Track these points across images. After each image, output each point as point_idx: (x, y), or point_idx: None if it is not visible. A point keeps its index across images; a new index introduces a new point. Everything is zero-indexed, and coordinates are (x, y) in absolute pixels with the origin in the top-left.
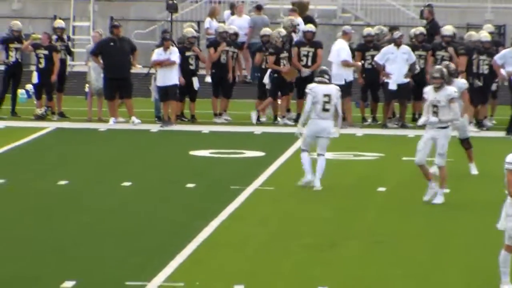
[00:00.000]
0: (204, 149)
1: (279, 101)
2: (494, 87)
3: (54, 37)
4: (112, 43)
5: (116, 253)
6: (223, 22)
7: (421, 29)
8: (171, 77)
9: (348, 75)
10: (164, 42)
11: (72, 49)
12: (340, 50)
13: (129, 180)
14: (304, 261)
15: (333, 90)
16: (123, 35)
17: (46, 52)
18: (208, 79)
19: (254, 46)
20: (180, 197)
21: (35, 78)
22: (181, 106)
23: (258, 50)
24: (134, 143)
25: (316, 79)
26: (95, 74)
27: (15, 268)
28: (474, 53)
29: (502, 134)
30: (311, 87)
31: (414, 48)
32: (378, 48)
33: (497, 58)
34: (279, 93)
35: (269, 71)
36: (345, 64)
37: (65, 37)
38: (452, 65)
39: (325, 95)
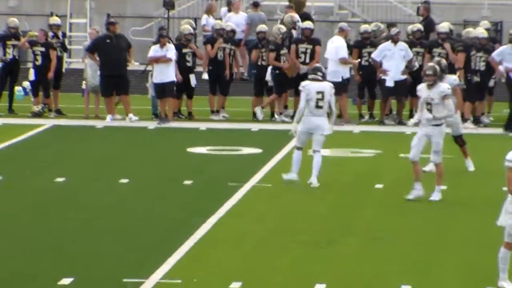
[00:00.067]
0: (202, 146)
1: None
2: (491, 83)
3: (50, 34)
4: (108, 40)
5: (114, 250)
6: (220, 19)
7: (419, 26)
8: (168, 74)
9: (345, 72)
10: (161, 39)
11: (69, 46)
12: (339, 47)
13: (127, 177)
14: (301, 258)
15: (327, 87)
16: (119, 32)
17: (42, 49)
18: (205, 76)
19: (251, 43)
20: (177, 194)
21: (31, 75)
22: (178, 103)
23: (254, 47)
24: (131, 140)
25: (310, 76)
26: (91, 71)
27: (12, 265)
28: (472, 49)
29: (499, 131)
30: (304, 85)
31: (411, 45)
32: (374, 45)
33: (495, 54)
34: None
35: (269, 68)
36: (344, 62)
37: (59, 34)
38: (444, 61)
39: (318, 92)
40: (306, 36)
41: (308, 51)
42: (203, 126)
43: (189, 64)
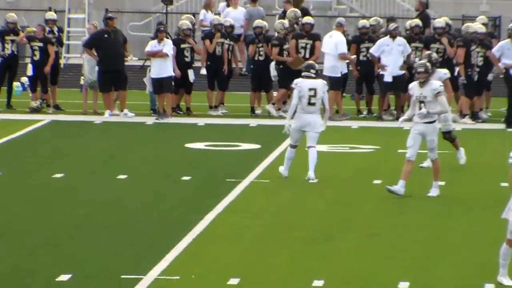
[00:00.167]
0: (200, 142)
1: (274, 93)
2: (490, 77)
3: (47, 29)
4: (106, 35)
5: (112, 246)
6: (218, 14)
7: (417, 21)
8: (166, 69)
9: (343, 67)
10: (158, 34)
11: (67, 42)
12: (338, 42)
13: (125, 173)
14: (300, 254)
15: (319, 84)
16: (117, 27)
17: (40, 44)
18: (204, 71)
19: (249, 38)
20: (175, 190)
21: (30, 71)
22: (177, 98)
23: (251, 42)
24: (129, 136)
25: (303, 73)
26: (88, 66)
27: (11, 260)
28: (472, 44)
29: (497, 126)
30: (297, 82)
31: (410, 40)
32: (373, 40)
33: (495, 50)
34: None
35: (273, 63)
36: (343, 57)
37: (55, 29)
38: (435, 55)
39: (311, 89)
40: (306, 31)
41: (308, 46)
42: (201, 121)
43: (187, 60)
